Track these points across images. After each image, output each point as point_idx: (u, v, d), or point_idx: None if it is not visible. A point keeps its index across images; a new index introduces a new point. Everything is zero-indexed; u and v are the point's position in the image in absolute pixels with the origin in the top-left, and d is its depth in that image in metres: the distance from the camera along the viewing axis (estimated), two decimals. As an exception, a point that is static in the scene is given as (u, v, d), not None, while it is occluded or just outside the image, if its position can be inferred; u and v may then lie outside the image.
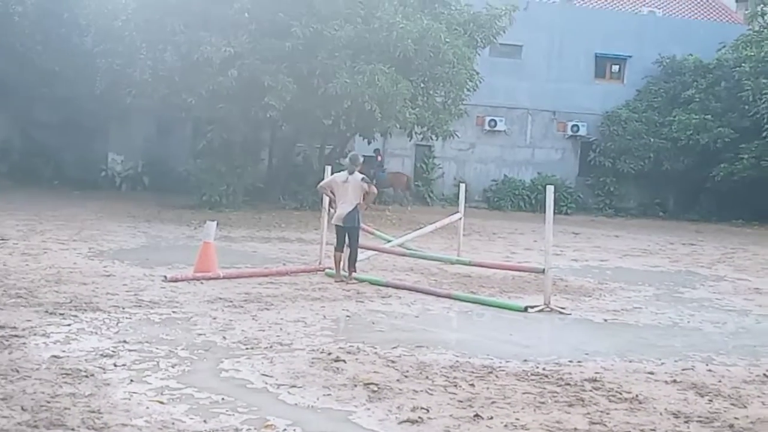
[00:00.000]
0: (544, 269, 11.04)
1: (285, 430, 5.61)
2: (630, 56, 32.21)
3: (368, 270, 13.55)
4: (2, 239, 14.36)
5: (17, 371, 6.53)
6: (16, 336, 7.68)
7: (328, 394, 6.47)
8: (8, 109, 26.93)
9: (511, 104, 31.46)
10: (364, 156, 13.22)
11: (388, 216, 24.20)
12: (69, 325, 8.35)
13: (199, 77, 20.78)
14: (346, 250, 12.52)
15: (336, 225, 12.56)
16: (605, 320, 10.55)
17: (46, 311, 8.86)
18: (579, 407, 6.44)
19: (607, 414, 6.29)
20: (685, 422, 6.19)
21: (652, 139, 30.53)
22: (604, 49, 32.11)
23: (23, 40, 23.77)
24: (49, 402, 5.83)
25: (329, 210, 12.97)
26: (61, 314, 8.77)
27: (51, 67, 24.23)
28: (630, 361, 8.16)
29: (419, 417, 6.00)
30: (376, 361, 7.54)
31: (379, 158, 28.67)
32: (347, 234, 12.50)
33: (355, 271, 12.50)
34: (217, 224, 13.26)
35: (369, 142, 25.75)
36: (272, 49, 20.73)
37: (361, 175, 12.75)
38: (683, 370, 7.89)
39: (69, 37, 24.57)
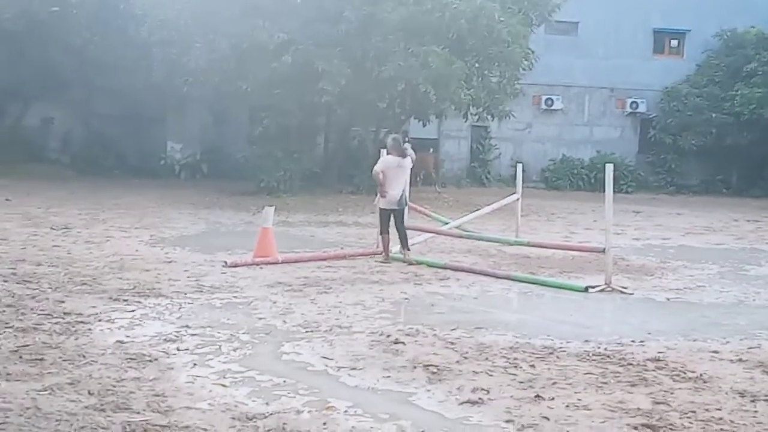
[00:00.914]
0: (604, 248, 10.92)
1: (346, 411, 5.66)
2: (689, 30, 31.57)
3: (426, 252, 13.56)
4: (66, 228, 14.68)
5: (83, 356, 6.69)
6: (81, 322, 7.86)
7: (388, 376, 6.51)
8: (69, 102, 27.49)
9: (568, 82, 31.09)
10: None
11: (445, 198, 24.17)
12: (133, 311, 8.52)
13: (253, 64, 20.94)
14: (393, 232, 12.55)
15: (385, 209, 12.57)
16: (668, 299, 10.41)
17: (111, 298, 9.05)
18: (642, 387, 6.37)
19: (671, 394, 6.22)
20: (752, 401, 6.09)
21: (713, 115, 29.91)
22: (663, 24, 31.51)
23: (81, 33, 24.15)
24: (114, 386, 5.96)
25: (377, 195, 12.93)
26: (124, 300, 8.95)
27: (109, 59, 24.60)
28: (694, 341, 8.04)
29: (479, 398, 6.00)
30: (436, 343, 7.55)
31: (407, 141, 28.46)
32: (394, 216, 12.54)
33: (409, 250, 12.54)
34: (275, 209, 13.37)
35: (424, 125, 25.67)
36: (325, 33, 20.77)
37: (408, 156, 12.79)
38: (749, 348, 7.76)
39: (125, 29, 24.88)
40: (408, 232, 13.26)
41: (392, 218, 12.63)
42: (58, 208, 17.79)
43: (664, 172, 31.19)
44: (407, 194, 12.87)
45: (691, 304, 10.15)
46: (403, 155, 12.70)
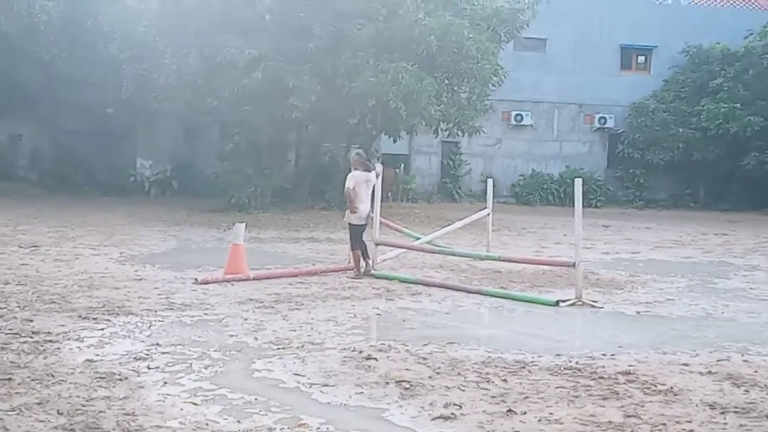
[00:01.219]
0: (574, 263, 10.98)
1: (318, 428, 5.63)
2: (656, 46, 31.96)
3: (397, 268, 13.57)
4: (34, 246, 14.53)
5: (52, 376, 6.61)
6: (50, 341, 7.77)
7: (361, 392, 6.49)
8: (37, 118, 27.23)
9: (537, 98, 31.33)
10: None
11: (416, 213, 24.21)
12: (102, 329, 8.43)
13: (223, 80, 20.89)
14: (361, 246, 12.65)
15: (356, 224, 12.61)
16: (638, 313, 10.48)
17: (80, 316, 8.95)
18: (613, 400, 6.40)
19: (642, 407, 6.25)
20: (722, 413, 6.14)
21: (680, 130, 30.27)
22: (630, 40, 31.88)
23: (49, 48, 24.01)
24: (84, 405, 5.89)
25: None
26: (94, 319, 8.86)
27: (77, 75, 24.49)
28: (664, 353, 8.10)
29: (452, 413, 6.00)
30: (408, 359, 7.54)
31: (378, 158, 28.48)
32: (363, 231, 12.60)
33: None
34: (246, 226, 13.32)
35: (395, 140, 25.73)
36: (295, 50, 20.80)
37: (373, 170, 12.87)
38: (718, 361, 7.82)
39: (94, 45, 24.78)
40: (379, 247, 13.30)
41: (350, 231, 12.68)
42: (26, 225, 17.61)
43: (632, 187, 31.47)
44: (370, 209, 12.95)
45: (661, 318, 10.22)
46: (368, 169, 12.77)
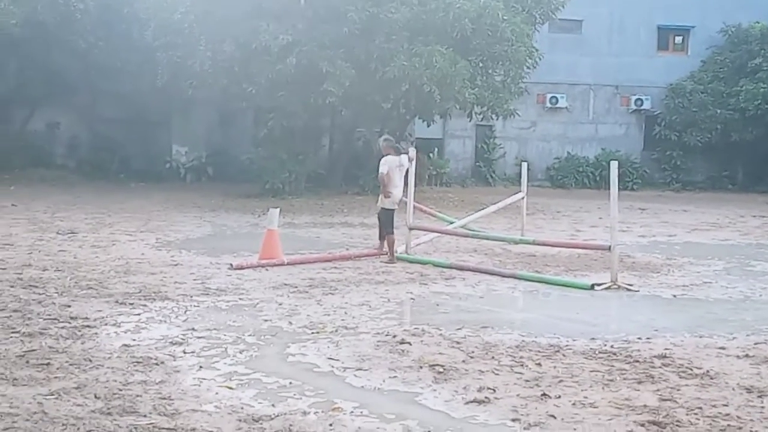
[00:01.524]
0: (610, 246, 10.90)
1: (352, 412, 5.66)
2: (693, 26, 31.48)
3: (431, 252, 13.57)
4: (72, 232, 14.71)
5: (90, 360, 6.70)
6: (88, 326, 7.88)
7: (394, 376, 6.51)
8: (74, 106, 27.51)
9: (573, 80, 31.03)
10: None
11: (450, 198, 24.16)
12: (139, 314, 8.54)
13: (258, 66, 20.93)
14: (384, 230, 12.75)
15: (389, 209, 12.63)
16: (674, 296, 10.40)
17: (117, 301, 9.06)
18: (648, 384, 6.37)
19: (678, 390, 6.21)
20: (759, 397, 6.08)
21: (718, 111, 29.82)
22: (667, 20, 31.42)
23: (86, 37, 24.18)
24: (121, 390, 5.97)
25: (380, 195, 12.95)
26: (131, 304, 8.97)
27: (114, 63, 24.65)
28: (700, 337, 8.04)
29: (486, 397, 6.00)
30: (441, 343, 7.55)
31: (412, 143, 28.49)
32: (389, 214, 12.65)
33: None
34: (280, 211, 13.38)
35: (428, 125, 25.66)
36: (329, 35, 20.77)
37: (405, 153, 12.91)
38: (756, 344, 7.75)
39: (130, 32, 24.92)
40: (413, 231, 13.31)
41: (383, 216, 12.69)
42: (64, 212, 17.82)
43: (669, 169, 31.11)
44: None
45: (698, 301, 10.13)
46: (399, 153, 12.78)
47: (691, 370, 6.78)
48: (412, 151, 13.22)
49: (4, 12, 21.81)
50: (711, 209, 23.30)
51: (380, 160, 12.91)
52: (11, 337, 7.36)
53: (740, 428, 5.43)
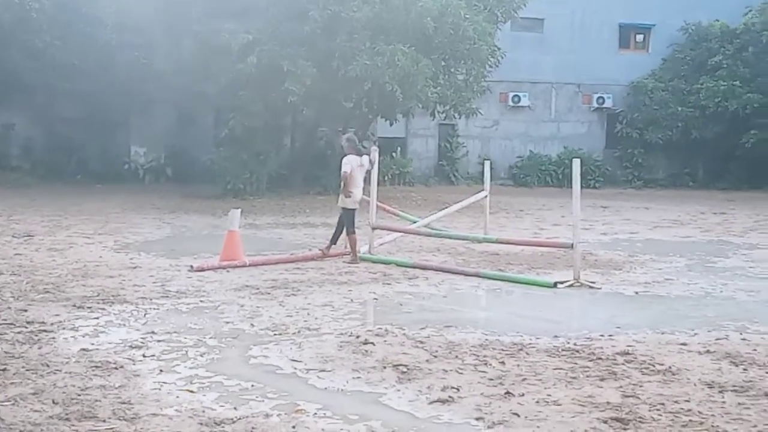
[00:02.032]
0: (572, 244, 10.98)
1: (315, 413, 5.64)
2: (654, 25, 31.87)
3: (394, 252, 13.58)
4: (28, 235, 14.52)
5: (47, 365, 6.62)
6: (45, 331, 7.77)
7: (358, 377, 6.50)
8: (30, 106, 27.14)
9: (535, 79, 31.26)
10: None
11: (413, 197, 24.20)
12: (97, 318, 8.44)
13: (218, 65, 20.83)
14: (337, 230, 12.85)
15: (350, 209, 12.62)
16: (636, 293, 10.50)
17: (74, 305, 8.96)
18: (611, 381, 6.42)
19: (640, 386, 6.27)
20: (720, 392, 6.16)
21: (679, 108, 30.22)
22: (628, 19, 31.78)
23: (42, 36, 23.88)
24: (79, 395, 5.90)
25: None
26: (89, 308, 8.86)
27: (71, 62, 24.37)
28: (662, 333, 8.12)
29: (450, 396, 6.01)
30: (405, 343, 7.55)
31: (374, 142, 28.57)
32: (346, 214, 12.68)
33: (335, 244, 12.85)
34: (242, 212, 13.32)
35: (391, 124, 25.70)
36: (290, 33, 20.72)
37: (366, 155, 12.93)
38: (717, 339, 7.85)
39: (88, 31, 24.66)
40: (376, 231, 13.31)
41: (344, 216, 12.70)
42: (19, 215, 17.59)
43: (631, 167, 31.46)
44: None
45: (660, 298, 10.24)
46: (360, 153, 12.79)
47: (654, 366, 6.85)
48: (374, 154, 13.21)
49: (-43, 11, 21.52)
50: (672, 206, 23.58)
51: (342, 159, 12.91)
52: (-34, 342, 7.25)
53: (702, 423, 5.50)
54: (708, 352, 7.36)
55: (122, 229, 15.82)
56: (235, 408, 5.73)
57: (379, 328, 8.09)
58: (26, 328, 7.85)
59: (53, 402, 5.73)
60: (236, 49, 20.41)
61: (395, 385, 6.32)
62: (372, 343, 7.49)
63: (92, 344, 7.35)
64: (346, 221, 12.65)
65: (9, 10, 22.73)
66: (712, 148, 30.52)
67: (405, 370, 6.66)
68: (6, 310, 8.56)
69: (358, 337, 7.71)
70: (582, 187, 11.18)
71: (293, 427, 5.37)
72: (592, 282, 10.90)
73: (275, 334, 7.88)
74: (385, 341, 7.58)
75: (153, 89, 22.78)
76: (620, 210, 22.31)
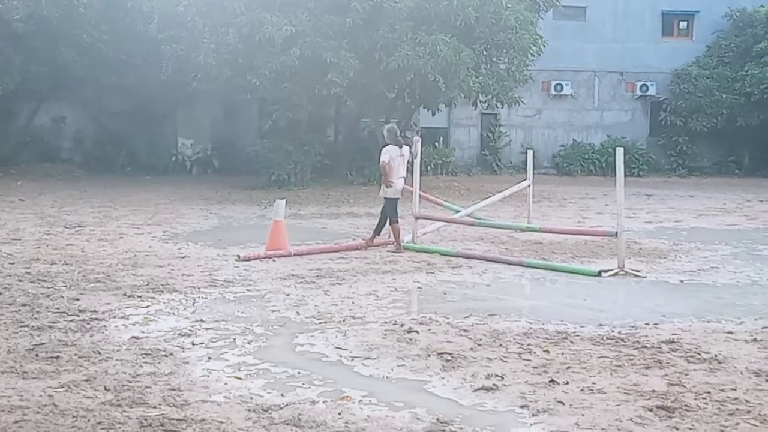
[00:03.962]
0: (616, 232, 10.89)
1: (361, 400, 5.67)
2: (698, 11, 31.35)
3: (437, 241, 13.56)
4: (79, 226, 14.74)
5: (99, 353, 6.73)
6: (96, 319, 7.90)
7: (403, 365, 6.52)
8: (80, 100, 27.50)
9: (577, 67, 30.94)
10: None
11: (456, 186, 24.14)
12: (147, 306, 8.56)
13: (262, 58, 20.89)
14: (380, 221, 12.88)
15: (392, 198, 12.62)
16: (681, 281, 10.39)
17: (125, 294, 9.08)
18: (656, 369, 6.37)
19: (686, 375, 6.21)
20: (767, 380, 6.07)
21: (724, 96, 29.70)
22: (671, 6, 31.29)
23: (90, 31, 24.15)
24: (130, 381, 5.99)
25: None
26: (138, 296, 8.99)
27: (118, 56, 24.62)
28: (708, 322, 8.03)
29: (494, 384, 6.01)
30: (449, 331, 7.55)
31: (417, 132, 28.53)
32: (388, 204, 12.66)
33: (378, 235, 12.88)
34: (287, 202, 13.39)
35: (433, 114, 25.64)
36: (333, 25, 20.72)
37: (406, 145, 12.92)
38: (763, 328, 7.74)
39: (134, 25, 24.87)
40: (420, 220, 13.30)
41: (387, 206, 12.69)
42: (71, 206, 17.85)
43: (675, 155, 31.02)
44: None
45: (705, 286, 10.12)
46: (400, 144, 12.77)
47: (699, 354, 6.78)
48: (417, 145, 13.18)
49: (9, 8, 21.83)
50: (717, 194, 23.25)
51: (381, 149, 12.91)
52: (21, 330, 7.39)
53: (749, 412, 5.43)
54: (755, 340, 7.27)
55: (170, 220, 15.99)
56: (282, 395, 5.78)
57: (423, 317, 8.10)
58: (78, 316, 7.98)
59: (105, 388, 5.82)
60: (279, 41, 20.45)
61: (440, 372, 6.32)
62: (416, 331, 7.50)
63: (142, 332, 7.46)
64: (389, 211, 12.65)
65: (58, 5, 23.02)
66: (758, 136, 29.97)
67: (449, 358, 6.66)
68: (59, 299, 8.71)
69: (402, 325, 7.73)
70: (626, 175, 11.09)
71: (339, 413, 5.40)
72: (636, 270, 10.80)
73: (321, 323, 7.93)
74: (429, 329, 7.59)
75: (198, 82, 22.92)
76: (665, 198, 22.04)
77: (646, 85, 30.92)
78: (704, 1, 31.05)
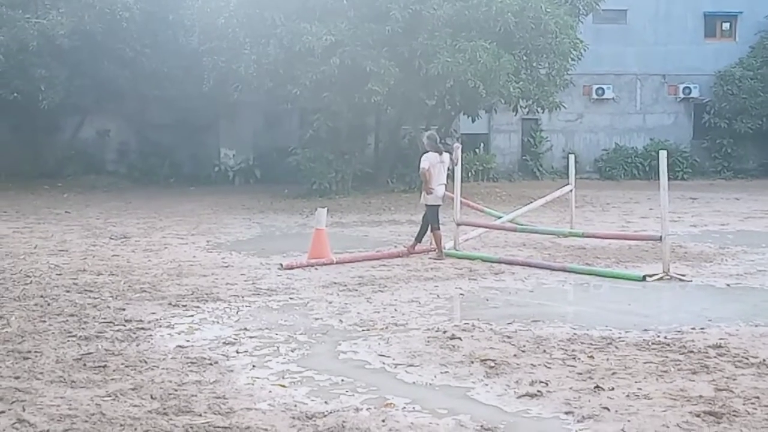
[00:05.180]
0: (661, 236, 10.78)
1: (404, 408, 5.67)
2: (740, 12, 30.95)
3: (479, 247, 13.53)
4: (124, 237, 14.93)
5: (145, 362, 6.80)
6: (142, 329, 7.99)
7: (446, 372, 6.51)
8: (123, 113, 27.88)
9: (619, 70, 30.69)
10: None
11: (497, 192, 24.05)
12: (192, 315, 8.64)
13: (302, 67, 21.02)
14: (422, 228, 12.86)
15: (433, 205, 12.61)
16: (728, 285, 10.25)
17: (170, 303, 9.18)
18: (703, 374, 6.29)
19: (734, 380, 6.12)
20: (818, 385, 5.97)
21: (769, 96, 29.30)
22: (713, 7, 30.94)
23: (132, 44, 24.47)
24: (176, 390, 6.05)
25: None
26: (183, 306, 9.07)
27: (160, 69, 24.92)
28: (756, 326, 7.91)
29: (538, 391, 5.97)
30: (492, 337, 7.52)
31: (457, 139, 28.46)
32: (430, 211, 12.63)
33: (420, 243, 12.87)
34: (328, 211, 13.44)
35: (473, 120, 25.60)
36: (372, 34, 20.79)
37: (446, 152, 12.91)
38: (813, 332, 7.60)
39: (175, 38, 25.20)
40: (461, 227, 13.27)
41: (428, 213, 12.67)
42: (116, 218, 18.08)
43: (720, 157, 30.62)
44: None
45: (752, 290, 9.97)
46: (440, 151, 12.76)
47: (747, 359, 6.68)
48: (458, 152, 13.16)
49: (53, 23, 22.20)
50: (764, 197, 22.89)
51: (421, 156, 12.92)
52: (68, 340, 7.50)
53: (799, 417, 5.34)
54: (804, 344, 7.14)
55: (214, 230, 16.13)
56: (325, 402, 5.79)
57: (466, 323, 8.08)
58: (124, 326, 8.08)
59: (151, 397, 5.89)
60: (319, 51, 20.56)
61: (483, 379, 6.30)
62: (459, 338, 7.48)
63: (187, 341, 7.53)
64: (430, 218, 12.64)
65: (101, 20, 23.35)
66: (804, 137, 29.52)
67: (493, 364, 6.63)
68: (105, 309, 8.83)
69: (445, 332, 7.71)
70: (669, 178, 10.98)
71: (383, 420, 5.41)
72: (682, 275, 10.68)
73: (363, 330, 7.94)
74: (472, 336, 7.57)
75: (239, 93, 23.12)
76: (710, 201, 21.76)
77: (689, 88, 30.58)
78: (747, 2, 30.65)
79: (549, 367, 6.55)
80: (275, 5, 21.30)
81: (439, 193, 12.68)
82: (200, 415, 5.51)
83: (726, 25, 31.51)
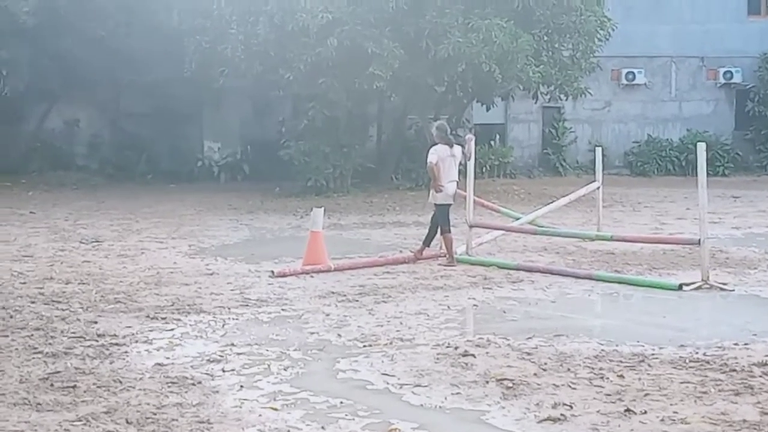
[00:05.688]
0: (699, 240, 10.79)
1: (411, 434, 5.69)
2: (790, -14, 31.00)
3: (495, 252, 13.55)
4: (97, 241, 14.96)
5: (120, 382, 6.82)
6: (116, 344, 8.01)
7: (458, 393, 6.52)
8: (95, 101, 27.84)
9: (652, 53, 30.69)
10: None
11: (515, 190, 24.09)
12: (172, 329, 8.66)
13: (295, 49, 21.04)
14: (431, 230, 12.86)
15: (443, 204, 12.60)
16: (775, 295, 10.27)
17: (147, 316, 9.20)
18: (747, 396, 6.30)
19: (782, 402, 6.14)
20: None
21: (821, 82, 29.33)
22: (759, -19, 31.00)
23: (105, 22, 24.41)
24: (155, 413, 6.07)
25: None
26: (163, 318, 9.10)
27: (136, 51, 24.87)
28: (806, 341, 7.92)
29: (562, 414, 5.99)
30: (510, 354, 7.54)
31: (470, 130, 28.53)
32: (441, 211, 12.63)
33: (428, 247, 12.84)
34: (325, 211, 13.46)
35: (488, 108, 25.61)
36: (374, 11, 20.80)
37: (456, 145, 12.89)
38: None
39: (153, 17, 25.19)
40: (474, 229, 13.29)
41: (437, 213, 12.70)
42: (87, 219, 18.12)
43: (765, 151, 30.64)
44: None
45: (803, 300, 9.99)
46: (451, 144, 12.75)
47: (797, 379, 6.69)
48: (471, 144, 13.15)
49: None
50: (815, 195, 22.93)
51: (429, 148, 12.92)
52: (33, 358, 7.52)
53: None
54: None
55: (197, 233, 16.16)
56: (322, 427, 5.81)
57: (480, 338, 8.10)
58: (97, 341, 8.10)
59: (127, 421, 5.90)
60: (314, 30, 20.58)
61: (499, 401, 6.32)
62: (472, 354, 7.50)
63: (167, 358, 7.55)
64: (440, 219, 12.65)
65: (69, -6, 23.34)
66: None
67: (510, 385, 6.65)
68: (75, 323, 8.86)
69: (456, 348, 7.73)
70: (709, 174, 11.03)
71: (387, 448, 5.43)
72: (723, 283, 10.70)
73: (365, 346, 7.96)
74: (487, 353, 7.59)
75: (226, 78, 23.13)
76: (754, 200, 21.77)
77: (730, 72, 30.57)
78: (797, -26, 30.68)
79: (574, 388, 6.57)
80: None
81: (450, 191, 12.67)
82: (182, 442, 5.53)
83: (772, 1, 31.54)
